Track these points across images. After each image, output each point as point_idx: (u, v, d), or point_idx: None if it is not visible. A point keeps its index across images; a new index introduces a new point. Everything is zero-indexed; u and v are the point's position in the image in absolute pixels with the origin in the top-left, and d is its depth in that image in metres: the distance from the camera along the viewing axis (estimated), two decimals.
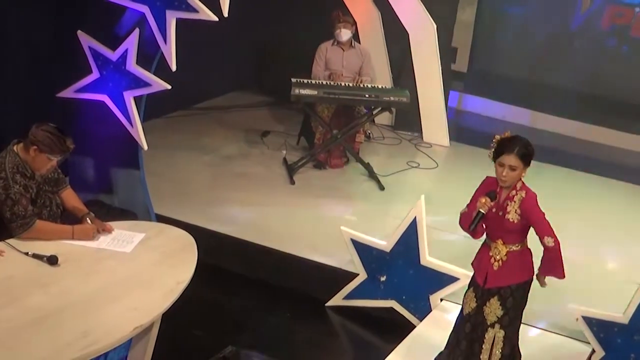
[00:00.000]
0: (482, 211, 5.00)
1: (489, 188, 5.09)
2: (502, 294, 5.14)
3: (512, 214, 5.00)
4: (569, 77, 10.64)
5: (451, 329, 5.47)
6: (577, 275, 6.99)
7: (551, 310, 6.36)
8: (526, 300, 5.23)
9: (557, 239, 5.01)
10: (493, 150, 5.02)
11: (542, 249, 5.04)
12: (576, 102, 10.58)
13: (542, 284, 5.20)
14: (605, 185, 9.13)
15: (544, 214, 5.03)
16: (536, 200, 5.03)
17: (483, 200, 5.01)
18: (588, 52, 10.63)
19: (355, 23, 8.85)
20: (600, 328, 5.78)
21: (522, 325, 5.34)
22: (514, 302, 5.17)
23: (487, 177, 5.18)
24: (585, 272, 7.11)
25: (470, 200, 5.17)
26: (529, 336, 6.02)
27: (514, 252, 5.10)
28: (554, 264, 5.10)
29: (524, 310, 5.26)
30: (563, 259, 5.08)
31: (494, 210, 5.04)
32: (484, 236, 5.21)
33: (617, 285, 6.88)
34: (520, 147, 4.96)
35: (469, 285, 5.35)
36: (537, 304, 6.20)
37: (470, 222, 5.02)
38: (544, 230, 5.00)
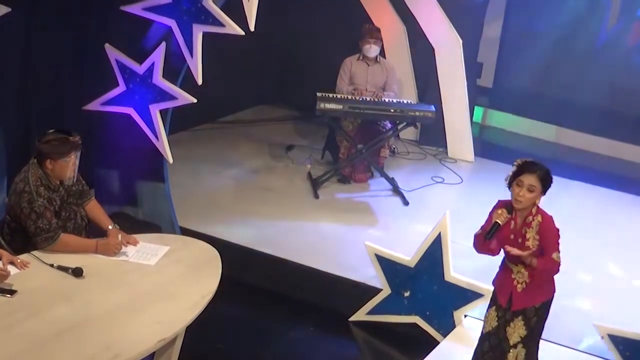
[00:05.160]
0: (499, 222, 4.96)
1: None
2: (527, 314, 5.11)
3: (532, 241, 4.97)
4: (595, 93, 10.56)
5: (475, 345, 5.44)
6: (603, 293, 6.99)
7: (577, 328, 6.32)
8: (547, 314, 5.20)
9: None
10: (513, 172, 4.98)
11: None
12: (602, 119, 10.50)
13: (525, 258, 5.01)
14: (631, 203, 9.04)
15: (559, 236, 4.99)
16: (553, 221, 4.99)
17: (499, 211, 4.99)
18: (614, 69, 10.54)
19: (381, 38, 8.85)
20: (626, 347, 5.72)
21: (547, 343, 5.30)
22: (537, 320, 5.14)
23: (499, 200, 5.12)
24: (611, 289, 7.07)
25: (484, 223, 5.13)
26: (555, 354, 5.96)
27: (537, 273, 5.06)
28: (548, 275, 5.04)
29: (550, 328, 5.22)
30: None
31: (511, 237, 5.01)
32: (502, 253, 5.17)
33: None
34: (542, 171, 4.95)
35: (490, 304, 5.32)
36: (563, 322, 6.18)
37: (486, 233, 4.98)
38: (556, 248, 4.95)
